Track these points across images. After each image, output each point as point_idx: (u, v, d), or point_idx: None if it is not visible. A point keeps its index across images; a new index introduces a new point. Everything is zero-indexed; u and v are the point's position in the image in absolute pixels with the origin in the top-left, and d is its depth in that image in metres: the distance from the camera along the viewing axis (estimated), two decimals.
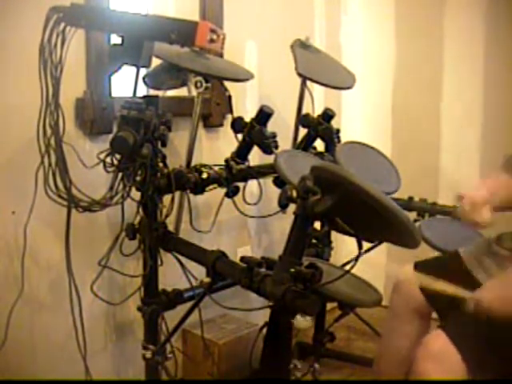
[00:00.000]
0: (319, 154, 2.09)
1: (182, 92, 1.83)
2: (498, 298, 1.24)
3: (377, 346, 1.70)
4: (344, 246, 2.52)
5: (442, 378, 1.27)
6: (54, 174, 1.41)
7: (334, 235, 2.24)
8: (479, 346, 1.27)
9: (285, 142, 1.92)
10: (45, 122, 1.38)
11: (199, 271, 1.52)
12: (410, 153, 2.64)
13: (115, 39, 1.41)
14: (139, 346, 1.64)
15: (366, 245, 1.13)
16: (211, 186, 1.70)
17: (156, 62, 1.60)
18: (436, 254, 1.75)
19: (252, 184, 1.88)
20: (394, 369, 1.60)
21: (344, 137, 2.15)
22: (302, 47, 2.04)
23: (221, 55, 1.85)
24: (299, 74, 1.95)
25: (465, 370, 1.25)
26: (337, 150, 1.78)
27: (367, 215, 1.04)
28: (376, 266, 2.63)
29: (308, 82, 2.04)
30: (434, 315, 1.56)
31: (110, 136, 1.43)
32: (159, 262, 1.59)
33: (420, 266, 1.55)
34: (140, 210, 1.53)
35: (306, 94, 2.06)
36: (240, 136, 1.78)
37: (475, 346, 1.27)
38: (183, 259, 1.59)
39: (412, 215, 1.99)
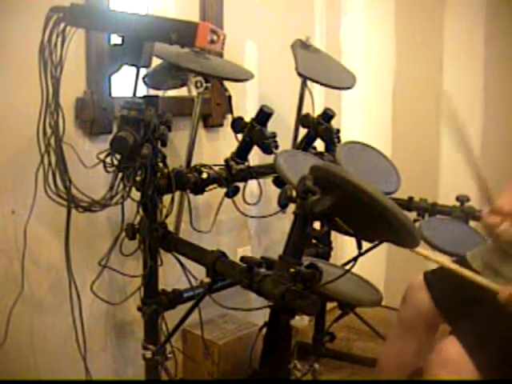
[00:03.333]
0: (319, 154, 2.09)
1: (182, 92, 1.83)
2: None
3: (380, 352, 1.70)
4: (344, 246, 2.52)
5: None
6: (53, 174, 1.41)
7: (334, 235, 2.23)
8: (492, 355, 1.26)
9: (285, 142, 1.92)
10: (45, 122, 1.38)
11: (199, 271, 1.52)
12: (410, 153, 2.64)
13: (115, 39, 1.41)
14: (139, 346, 1.64)
15: (365, 245, 1.13)
16: (211, 186, 1.70)
17: (156, 61, 1.60)
18: (436, 253, 1.75)
19: (252, 184, 1.88)
20: (394, 377, 1.60)
21: (344, 137, 2.15)
22: (302, 47, 2.05)
23: (221, 55, 1.85)
24: (299, 74, 1.95)
25: (478, 378, 1.24)
26: (337, 150, 1.78)
27: (367, 215, 1.04)
28: (376, 265, 2.63)
29: (308, 82, 2.04)
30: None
31: (110, 136, 1.44)
32: (159, 262, 1.59)
33: (430, 275, 1.55)
34: (140, 210, 1.53)
35: (306, 93, 2.07)
36: (240, 136, 1.79)
37: (488, 354, 1.26)
38: (183, 259, 1.59)
39: (412, 215, 1.99)
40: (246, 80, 1.85)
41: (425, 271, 1.57)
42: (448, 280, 1.49)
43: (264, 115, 1.74)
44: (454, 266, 1.37)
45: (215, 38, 1.32)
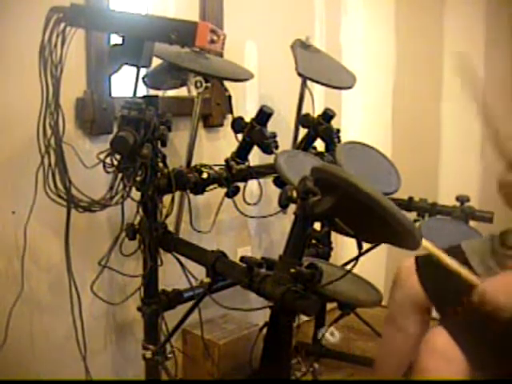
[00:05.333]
0: (319, 154, 2.08)
1: (182, 92, 1.83)
2: (504, 292, 1.23)
3: (378, 342, 1.70)
4: (344, 246, 2.52)
5: (443, 374, 1.26)
6: (53, 174, 1.41)
7: (334, 236, 2.24)
8: (480, 345, 1.27)
9: (285, 142, 1.92)
10: (45, 122, 1.38)
11: (199, 271, 1.52)
12: (410, 153, 2.64)
13: (115, 39, 1.41)
14: (139, 346, 1.64)
15: (366, 245, 1.13)
16: (211, 186, 1.70)
17: (156, 61, 1.60)
18: None
19: (252, 184, 1.88)
20: (393, 365, 1.60)
21: (344, 137, 2.15)
22: (302, 47, 2.04)
23: (221, 55, 1.85)
24: (299, 74, 1.95)
25: (467, 367, 1.25)
26: (337, 150, 1.78)
27: (367, 216, 1.04)
28: (376, 265, 2.63)
29: (308, 82, 2.04)
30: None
31: (110, 136, 1.44)
32: (159, 262, 1.59)
33: (421, 260, 1.55)
34: (140, 210, 1.53)
35: (306, 93, 2.06)
36: (240, 136, 1.78)
37: (476, 344, 1.27)
38: (183, 259, 1.59)
39: (412, 215, 1.99)
40: (246, 80, 1.85)
41: (416, 255, 1.56)
42: (439, 266, 1.50)
43: (264, 115, 1.74)
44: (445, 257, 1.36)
45: (215, 37, 1.32)
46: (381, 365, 1.66)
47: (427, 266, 1.52)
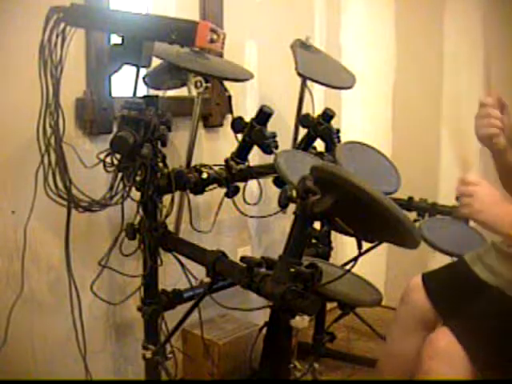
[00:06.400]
0: (319, 154, 2.08)
1: (182, 92, 1.83)
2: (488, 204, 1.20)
3: (379, 354, 1.69)
4: (344, 246, 2.52)
5: (447, 376, 1.26)
6: (53, 174, 1.41)
7: (334, 235, 2.24)
8: (484, 345, 1.26)
9: (285, 142, 1.92)
10: (45, 122, 1.38)
11: (199, 271, 1.52)
12: (410, 153, 2.64)
13: (115, 39, 1.41)
14: (139, 346, 1.64)
15: (366, 245, 1.13)
16: (211, 186, 1.70)
17: (156, 61, 1.60)
18: (436, 253, 1.75)
19: (252, 184, 1.88)
20: (395, 371, 1.60)
21: (344, 137, 2.15)
22: (302, 47, 2.04)
23: (221, 55, 1.85)
24: (299, 74, 1.95)
25: (470, 368, 1.25)
26: (337, 150, 1.78)
27: (367, 215, 1.04)
28: (376, 266, 2.63)
29: (308, 82, 2.04)
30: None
31: (110, 136, 1.44)
32: (159, 262, 1.59)
33: (428, 277, 1.55)
34: (140, 209, 1.53)
35: (306, 93, 2.06)
36: (240, 136, 1.79)
37: (480, 344, 1.26)
38: (183, 259, 1.59)
39: (412, 215, 1.99)
40: (246, 80, 1.85)
41: (423, 272, 1.57)
42: (445, 279, 1.51)
43: (264, 115, 1.74)
44: None
45: (215, 37, 1.32)
46: (382, 370, 1.66)
47: (434, 282, 1.53)
